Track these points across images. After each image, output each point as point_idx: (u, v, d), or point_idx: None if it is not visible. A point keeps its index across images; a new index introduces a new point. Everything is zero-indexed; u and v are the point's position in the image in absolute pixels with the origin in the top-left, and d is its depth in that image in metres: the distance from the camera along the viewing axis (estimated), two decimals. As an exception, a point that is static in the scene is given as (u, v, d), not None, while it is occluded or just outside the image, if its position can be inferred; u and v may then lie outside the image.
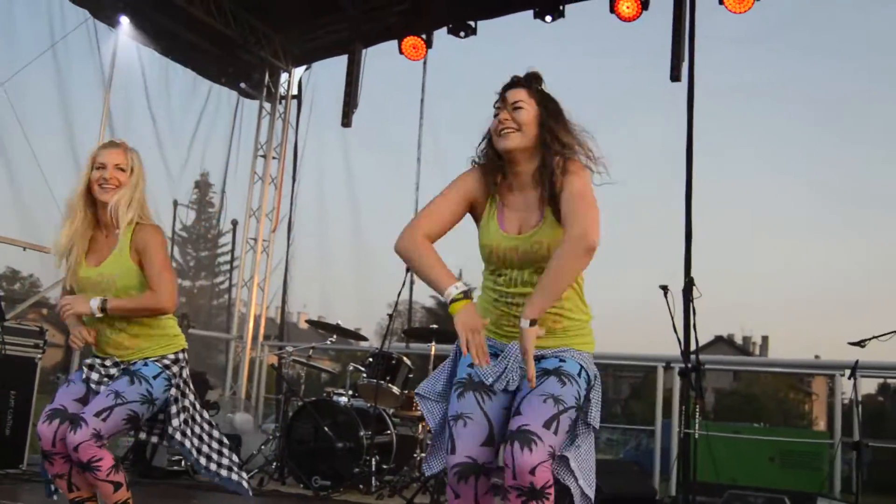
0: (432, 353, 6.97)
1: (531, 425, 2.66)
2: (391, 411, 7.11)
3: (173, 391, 3.78)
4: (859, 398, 6.37)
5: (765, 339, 54.18)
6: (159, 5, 9.26)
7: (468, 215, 3.12)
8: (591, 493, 2.86)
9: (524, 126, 2.93)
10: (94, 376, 3.74)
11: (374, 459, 6.59)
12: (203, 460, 3.90)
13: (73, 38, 8.92)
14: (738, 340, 51.17)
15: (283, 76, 11.30)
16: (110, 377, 3.74)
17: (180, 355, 3.85)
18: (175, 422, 3.79)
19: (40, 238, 8.39)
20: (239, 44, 10.27)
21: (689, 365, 6.53)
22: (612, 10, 8.57)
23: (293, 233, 11.13)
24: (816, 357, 12.78)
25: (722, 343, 45.03)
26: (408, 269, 6.96)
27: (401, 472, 6.80)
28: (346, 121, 10.35)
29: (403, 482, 6.63)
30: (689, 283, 6.76)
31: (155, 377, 3.71)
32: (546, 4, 8.91)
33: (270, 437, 7.46)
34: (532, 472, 2.60)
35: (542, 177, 2.92)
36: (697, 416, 6.53)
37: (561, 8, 8.91)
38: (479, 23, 9.46)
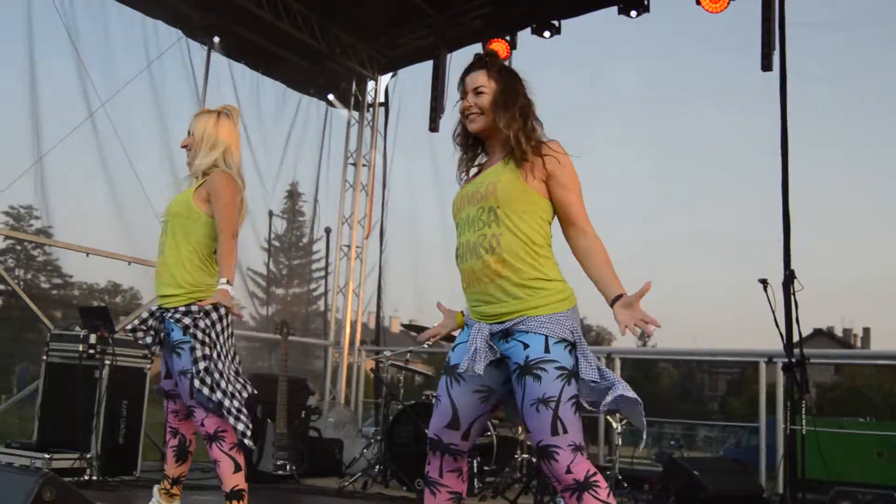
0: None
1: (544, 440, 2.85)
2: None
3: (191, 340, 3.87)
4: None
5: (866, 330, 52.72)
6: (249, 21, 9.43)
7: None
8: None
9: (486, 109, 3.11)
10: (149, 339, 3.99)
11: (475, 461, 6.58)
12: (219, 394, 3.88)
13: (167, 56, 9.18)
14: (839, 333, 49.86)
15: (370, 84, 11.42)
16: (157, 330, 3.98)
17: (192, 307, 3.90)
18: (199, 366, 3.86)
19: (142, 252, 8.62)
20: (326, 55, 10.39)
21: (794, 359, 6.38)
22: (698, 1, 8.41)
23: (385, 238, 11.23)
24: (923, 347, 12.33)
25: (822, 336, 43.88)
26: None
27: (502, 473, 6.78)
28: (434, 126, 10.37)
29: (506, 483, 6.61)
30: (789, 276, 6.60)
31: (184, 335, 3.87)
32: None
33: (371, 441, 7.51)
34: (567, 471, 2.83)
35: (510, 149, 3.06)
36: (803, 412, 6.37)
37: (645, 2, 8.79)
38: (563, 21, 9.40)
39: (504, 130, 3.05)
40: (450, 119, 9.75)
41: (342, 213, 11.24)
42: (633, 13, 8.83)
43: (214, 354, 3.88)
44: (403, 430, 6.92)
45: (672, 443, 15.10)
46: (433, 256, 11.97)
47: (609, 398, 2.88)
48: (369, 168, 11.41)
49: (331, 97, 11.21)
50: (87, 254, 8.03)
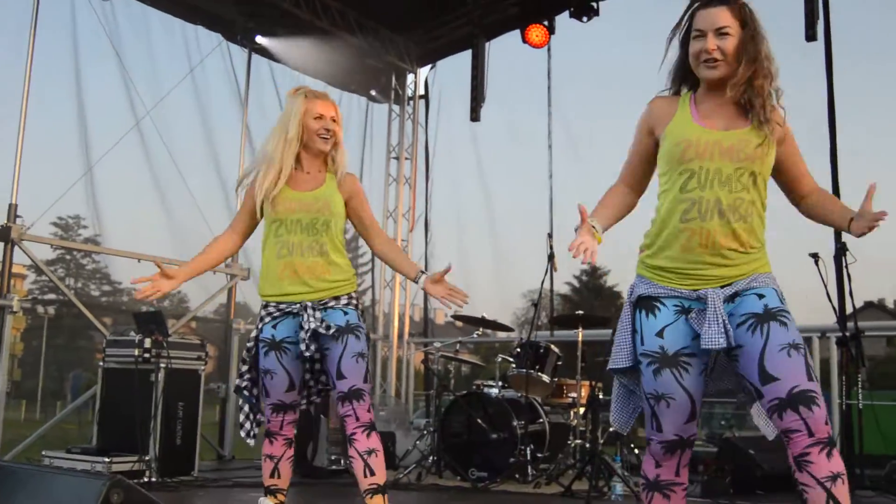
0: (580, 338, 6.92)
1: (801, 384, 2.60)
2: (541, 400, 7.11)
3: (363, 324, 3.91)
4: None
5: (919, 301, 51.77)
6: (287, 22, 9.50)
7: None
8: None
9: (730, 56, 2.73)
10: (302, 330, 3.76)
11: (528, 448, 6.59)
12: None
13: (209, 61, 9.31)
14: (890, 304, 49.07)
15: (410, 77, 11.43)
16: (327, 327, 3.74)
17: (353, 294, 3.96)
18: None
19: (189, 254, 8.72)
20: (365, 50, 10.45)
21: (848, 333, 6.32)
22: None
23: (430, 231, 11.26)
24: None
25: (873, 309, 43.16)
26: (550, 257, 6.95)
27: (556, 459, 6.79)
28: (475, 115, 10.38)
29: (559, 469, 6.62)
30: (841, 249, 6.54)
31: (360, 319, 3.86)
32: (668, -23, 8.72)
33: (424, 433, 7.55)
34: (826, 422, 2.59)
35: (750, 103, 2.77)
36: (859, 386, 6.32)
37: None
38: (601, 3, 9.34)
39: (756, 87, 2.75)
40: (491, 108, 9.78)
41: (386, 207, 11.28)
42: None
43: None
44: (456, 420, 6.94)
45: (723, 423, 15.02)
46: (479, 245, 11.99)
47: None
48: (412, 161, 11.44)
49: (371, 92, 11.26)
50: (139, 260, 8.15)
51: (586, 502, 5.56)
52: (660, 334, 2.79)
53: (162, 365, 6.46)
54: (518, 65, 11.36)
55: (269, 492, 3.92)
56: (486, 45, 10.37)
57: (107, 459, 6.09)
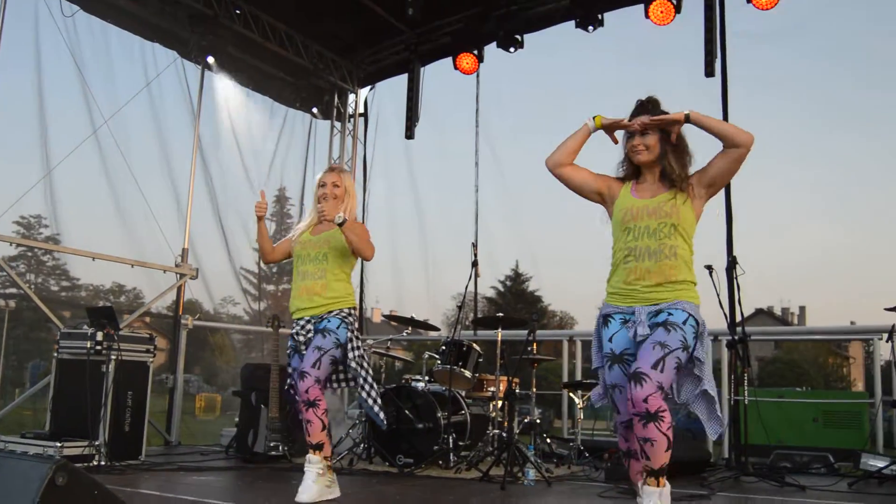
0: (499, 338, 6.95)
1: (641, 367, 3.28)
2: (463, 393, 7.12)
3: (349, 334, 4.64)
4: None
5: (802, 309, 53.31)
6: (239, 42, 9.38)
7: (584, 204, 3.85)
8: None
9: (650, 147, 3.64)
10: (301, 339, 4.68)
11: (451, 437, 6.60)
12: (363, 392, 4.71)
13: (165, 76, 9.14)
14: (777, 312, 50.34)
15: (351, 97, 11.40)
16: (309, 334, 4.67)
17: (353, 311, 4.75)
18: (351, 354, 4.61)
19: (144, 255, 8.59)
20: (310, 71, 10.38)
21: (736, 337, 6.45)
22: (647, 15, 8.43)
23: (367, 237, 11.19)
24: (852, 323, 12.47)
25: (762, 315, 44.29)
26: (473, 264, 6.96)
27: (476, 447, 6.79)
28: (409, 133, 10.38)
29: (479, 457, 6.62)
30: (732, 262, 6.69)
31: (337, 327, 4.63)
32: (586, 15, 8.80)
33: (357, 422, 7.51)
34: (645, 401, 3.23)
35: (666, 179, 3.62)
36: (745, 384, 6.45)
37: (600, 17, 8.80)
38: (526, 36, 9.39)
39: (672, 170, 3.59)
40: (424, 127, 9.77)
41: (327, 215, 11.18)
42: (590, 28, 8.82)
43: (361, 347, 4.70)
44: (385, 411, 6.89)
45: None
46: (409, 252, 11.98)
47: (697, 390, 3.49)
48: (351, 173, 11.38)
49: (314, 109, 11.19)
50: (94, 258, 7.98)
51: (501, 486, 5.57)
52: (610, 339, 3.58)
53: (112, 356, 6.32)
54: (450, 89, 11.40)
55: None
56: (421, 69, 10.38)
57: (58, 444, 5.92)
